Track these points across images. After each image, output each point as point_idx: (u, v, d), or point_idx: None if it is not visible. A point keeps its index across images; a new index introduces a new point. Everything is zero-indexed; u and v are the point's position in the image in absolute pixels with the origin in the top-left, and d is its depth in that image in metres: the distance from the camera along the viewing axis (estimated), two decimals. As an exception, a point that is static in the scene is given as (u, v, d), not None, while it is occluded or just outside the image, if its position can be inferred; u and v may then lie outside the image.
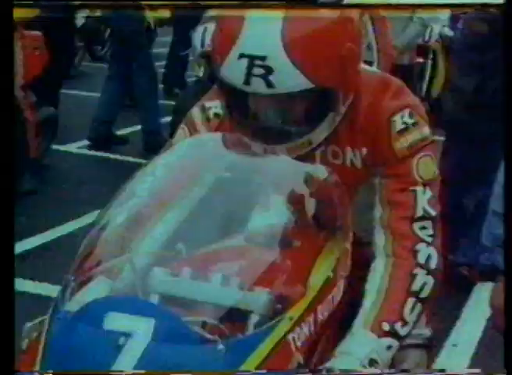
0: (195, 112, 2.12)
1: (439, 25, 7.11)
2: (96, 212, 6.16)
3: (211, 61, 6.10)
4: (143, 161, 6.70)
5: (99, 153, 6.78)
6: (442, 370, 2.44)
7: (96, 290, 1.70)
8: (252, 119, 1.87)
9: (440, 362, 3.06)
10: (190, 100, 6.56)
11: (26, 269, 4.32)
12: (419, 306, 1.83)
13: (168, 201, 1.90)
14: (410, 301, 1.81)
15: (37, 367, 1.64)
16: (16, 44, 5.47)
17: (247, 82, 1.73)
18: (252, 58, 1.71)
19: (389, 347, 1.78)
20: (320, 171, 1.89)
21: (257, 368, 1.59)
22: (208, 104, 2.08)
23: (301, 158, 1.90)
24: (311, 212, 1.89)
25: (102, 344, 1.57)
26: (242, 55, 1.72)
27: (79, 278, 1.72)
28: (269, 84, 1.72)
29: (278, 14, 1.72)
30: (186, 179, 1.93)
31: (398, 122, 1.88)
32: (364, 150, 1.95)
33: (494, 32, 4.20)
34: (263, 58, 1.70)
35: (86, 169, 6.46)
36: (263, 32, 1.72)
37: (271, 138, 1.86)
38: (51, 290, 3.97)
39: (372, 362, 1.73)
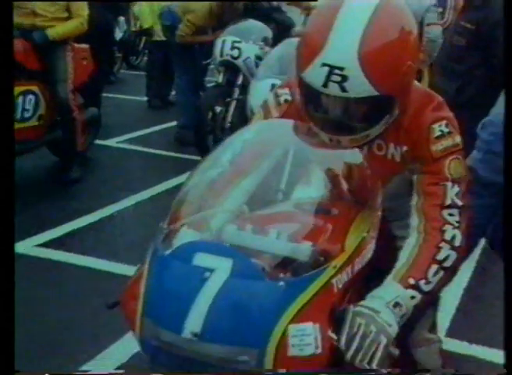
0: (270, 98, 2.18)
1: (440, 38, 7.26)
2: (131, 197, 6.17)
3: (228, 69, 6.52)
4: (171, 154, 7.01)
5: (134, 147, 6.82)
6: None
7: (185, 236, 1.80)
8: (323, 113, 1.93)
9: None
10: (210, 101, 6.78)
11: (75, 245, 4.49)
12: (441, 272, 1.89)
13: (243, 171, 1.98)
14: (434, 266, 1.88)
15: (141, 297, 1.74)
16: (68, 54, 5.55)
17: (325, 85, 1.79)
18: (332, 68, 1.77)
19: (413, 297, 1.84)
20: (357, 157, 1.97)
21: (310, 300, 1.66)
22: (279, 92, 2.14)
23: (355, 147, 1.99)
24: (346, 188, 1.99)
25: (191, 276, 1.68)
26: (324, 64, 1.78)
27: (171, 228, 1.82)
28: (343, 89, 1.80)
29: (357, 30, 1.77)
30: (258, 154, 2.02)
31: (436, 129, 1.97)
32: (405, 148, 2.03)
33: (469, 44, 4.27)
34: (341, 68, 1.76)
35: (123, 161, 6.49)
36: (343, 46, 1.77)
37: (337, 130, 1.93)
38: (98, 263, 4.18)
39: (396, 305, 1.79)
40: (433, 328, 2.28)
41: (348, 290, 1.81)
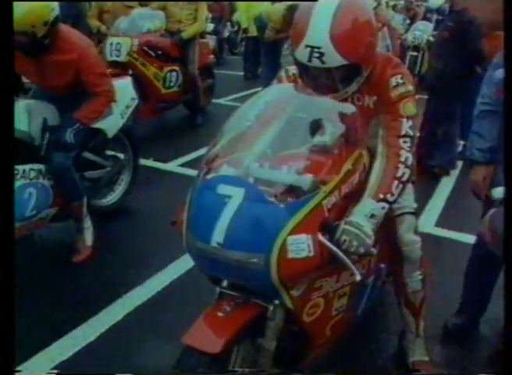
0: (282, 72, 2.05)
1: (426, 35, 7.28)
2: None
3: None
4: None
5: (236, 103, 6.58)
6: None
7: (226, 171, 1.69)
8: (313, 80, 1.83)
9: (420, 220, 2.71)
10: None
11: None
12: (401, 185, 1.76)
13: (266, 123, 1.83)
14: (395, 182, 1.75)
15: (185, 217, 1.67)
16: (195, 47, 5.78)
17: (309, 61, 1.71)
18: (312, 48, 1.68)
19: (383, 207, 1.72)
20: (349, 107, 1.83)
21: (304, 217, 1.55)
22: (289, 68, 2.02)
23: (340, 101, 1.85)
24: (342, 131, 1.81)
25: (215, 202, 1.58)
26: (307, 46, 1.69)
27: (208, 166, 1.71)
28: (322, 62, 1.69)
29: (327, 18, 1.68)
30: (276, 109, 1.86)
31: (393, 81, 1.83)
32: (375, 97, 1.89)
33: (451, 37, 4.37)
34: (318, 47, 1.67)
35: (229, 113, 6.69)
36: (318, 31, 1.68)
37: (325, 91, 1.82)
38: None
39: (372, 216, 1.68)
40: (415, 231, 2.13)
41: (336, 208, 1.66)
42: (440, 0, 8.30)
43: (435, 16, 7.97)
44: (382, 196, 1.73)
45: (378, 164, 1.80)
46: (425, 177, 4.15)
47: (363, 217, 1.66)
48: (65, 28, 2.96)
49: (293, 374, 1.72)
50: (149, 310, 2.65)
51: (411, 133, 1.82)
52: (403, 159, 1.79)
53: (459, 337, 2.50)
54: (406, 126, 1.82)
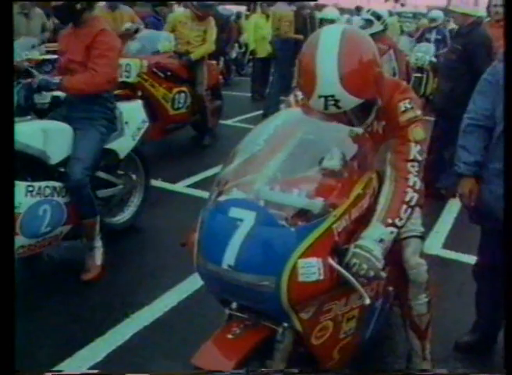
0: (291, 97, 2.06)
1: (428, 56, 7.39)
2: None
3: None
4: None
5: (244, 125, 6.79)
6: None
7: (235, 195, 1.69)
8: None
9: (426, 243, 2.63)
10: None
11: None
12: (409, 210, 1.77)
13: (276, 147, 1.83)
14: (404, 206, 1.76)
15: (196, 239, 1.67)
16: (204, 68, 5.80)
17: (326, 109, 1.70)
18: (326, 97, 1.67)
19: (392, 232, 1.72)
20: (359, 132, 1.83)
21: (314, 241, 1.56)
22: (297, 93, 2.02)
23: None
24: (353, 155, 1.82)
25: (227, 225, 1.59)
26: (320, 96, 1.68)
27: (219, 189, 1.72)
28: (339, 107, 1.68)
29: (332, 65, 1.66)
30: (286, 132, 1.87)
31: (402, 106, 1.83)
32: (383, 122, 1.90)
33: (459, 59, 4.35)
34: (332, 95, 1.66)
35: (236, 134, 6.58)
36: (327, 80, 1.66)
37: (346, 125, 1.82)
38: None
39: (381, 240, 1.68)
40: (421, 255, 2.13)
41: (346, 232, 1.67)
42: (439, 12, 8.34)
43: (434, 36, 8.01)
44: (390, 221, 1.73)
45: (386, 188, 1.81)
46: (432, 199, 4.07)
47: (372, 241, 1.67)
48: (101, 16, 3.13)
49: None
50: (157, 330, 2.65)
51: (419, 157, 1.83)
52: (411, 184, 1.80)
53: (469, 356, 2.50)
54: (414, 150, 1.83)
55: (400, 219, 1.75)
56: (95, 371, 2.13)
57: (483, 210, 2.31)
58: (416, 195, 1.79)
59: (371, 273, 1.61)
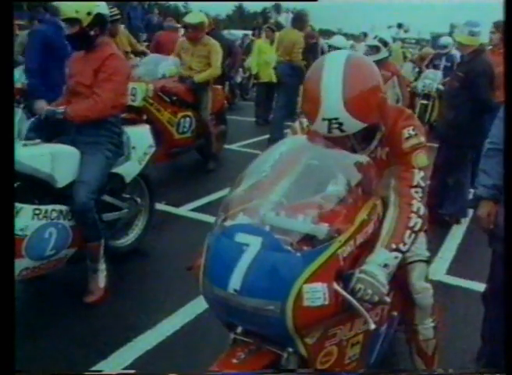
0: (296, 124, 2.10)
1: (436, 83, 7.43)
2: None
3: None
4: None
5: (248, 150, 6.88)
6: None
7: (241, 220, 1.71)
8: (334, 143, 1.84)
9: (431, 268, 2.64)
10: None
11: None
12: (413, 235, 1.79)
13: (282, 172, 1.86)
14: (408, 232, 1.77)
15: (202, 264, 1.68)
16: (208, 92, 5.81)
17: (329, 132, 1.73)
18: (330, 120, 1.71)
19: (396, 257, 1.74)
20: (364, 158, 1.86)
21: (320, 266, 1.57)
22: (302, 120, 2.05)
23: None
24: (357, 181, 1.82)
25: (233, 250, 1.60)
26: (324, 119, 1.71)
27: (225, 214, 1.74)
28: (342, 131, 1.71)
29: (337, 90, 1.70)
30: (292, 159, 1.90)
31: (405, 133, 1.86)
32: (387, 149, 1.92)
33: (461, 87, 4.38)
34: (336, 118, 1.70)
35: (241, 158, 6.30)
36: (332, 103, 1.70)
37: (349, 151, 1.87)
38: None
39: (385, 265, 1.70)
40: (427, 280, 2.14)
41: (351, 257, 1.68)
42: (449, 39, 8.30)
43: (443, 63, 8.01)
44: (394, 246, 1.75)
45: (390, 213, 1.83)
46: (436, 226, 4.12)
47: (376, 267, 1.68)
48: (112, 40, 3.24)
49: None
50: (159, 355, 2.65)
51: (423, 183, 1.85)
52: (415, 209, 1.81)
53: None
54: (418, 177, 1.85)
55: (404, 244, 1.77)
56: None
57: (498, 234, 2.32)
58: (420, 221, 1.81)
59: (376, 298, 1.62)
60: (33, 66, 4.52)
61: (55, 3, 5.00)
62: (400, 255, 1.76)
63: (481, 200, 2.36)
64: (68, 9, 3.07)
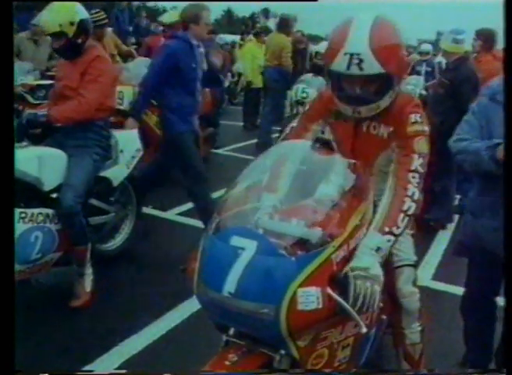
0: (288, 129, 2.14)
1: (418, 89, 7.72)
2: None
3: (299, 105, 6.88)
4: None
5: (236, 154, 6.97)
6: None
7: (231, 223, 1.72)
8: (345, 91, 1.92)
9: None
10: (285, 125, 7.00)
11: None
12: (406, 218, 1.80)
13: (275, 177, 1.89)
14: (401, 215, 1.80)
15: (197, 266, 1.68)
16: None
17: (348, 68, 1.79)
18: (352, 55, 1.78)
19: (389, 240, 1.76)
20: (351, 161, 1.89)
21: (314, 270, 1.58)
22: (294, 125, 2.11)
23: (362, 120, 1.97)
24: (350, 185, 1.84)
25: (229, 253, 1.60)
26: (346, 53, 1.78)
27: (220, 217, 1.74)
28: (361, 69, 1.78)
29: (365, 29, 1.81)
30: (284, 164, 1.92)
31: (412, 118, 1.92)
32: (391, 128, 1.96)
33: (447, 93, 4.49)
34: (358, 54, 1.77)
35: (229, 163, 6.57)
36: (358, 40, 1.79)
37: (357, 103, 1.91)
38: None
39: (378, 249, 1.72)
40: (415, 284, 2.16)
41: (344, 261, 1.69)
42: (429, 45, 8.70)
43: (424, 68, 8.21)
44: (387, 229, 1.77)
45: (385, 198, 1.86)
46: (422, 231, 4.23)
47: (369, 251, 1.70)
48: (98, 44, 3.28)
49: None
50: (145, 359, 2.64)
51: (421, 170, 1.88)
52: (409, 193, 1.84)
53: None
54: (417, 162, 1.89)
55: (398, 227, 1.78)
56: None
57: (473, 243, 2.35)
58: (414, 205, 1.83)
59: (377, 288, 1.63)
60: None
61: (35, 21, 4.96)
62: (392, 239, 1.77)
63: (499, 146, 2.10)
64: (51, 25, 3.05)
